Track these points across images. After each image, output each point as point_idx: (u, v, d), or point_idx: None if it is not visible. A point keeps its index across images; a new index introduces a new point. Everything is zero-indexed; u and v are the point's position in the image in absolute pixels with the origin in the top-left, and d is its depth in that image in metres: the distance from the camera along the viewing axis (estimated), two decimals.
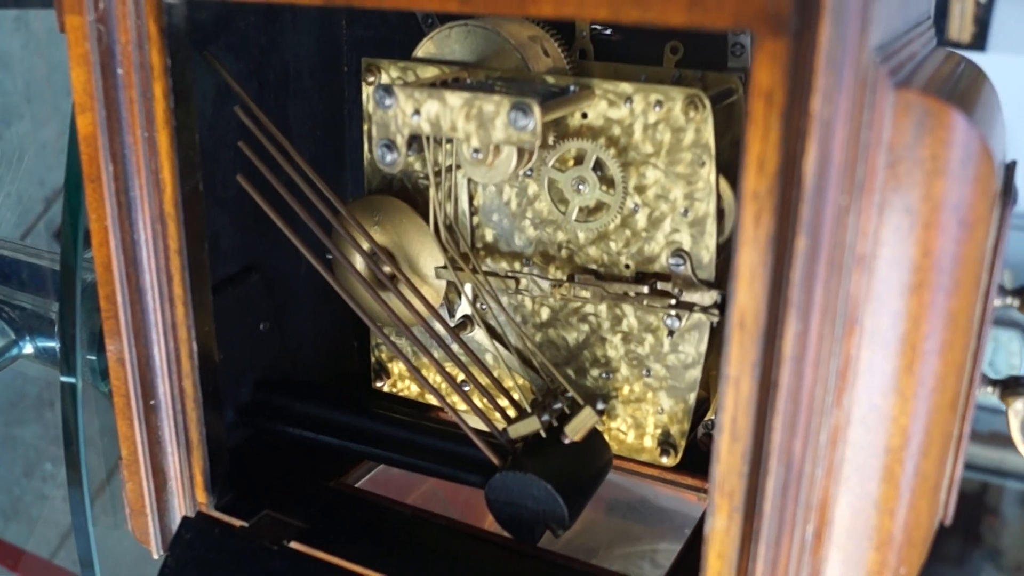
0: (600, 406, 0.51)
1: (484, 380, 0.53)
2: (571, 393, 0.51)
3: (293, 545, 0.48)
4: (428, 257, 0.52)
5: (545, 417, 0.48)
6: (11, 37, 0.69)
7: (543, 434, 0.47)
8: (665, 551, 0.51)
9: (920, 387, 0.35)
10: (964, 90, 0.36)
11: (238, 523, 0.50)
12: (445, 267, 0.51)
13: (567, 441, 0.47)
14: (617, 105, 0.46)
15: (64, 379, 0.58)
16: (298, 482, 0.54)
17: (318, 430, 0.54)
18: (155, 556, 0.51)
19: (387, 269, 0.51)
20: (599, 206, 0.48)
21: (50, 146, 0.60)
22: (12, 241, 0.68)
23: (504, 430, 0.47)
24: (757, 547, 0.36)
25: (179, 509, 0.51)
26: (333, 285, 0.47)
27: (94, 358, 0.59)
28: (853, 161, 0.32)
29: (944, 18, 0.83)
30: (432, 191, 0.49)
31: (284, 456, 0.56)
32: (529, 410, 0.48)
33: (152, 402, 0.48)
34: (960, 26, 0.84)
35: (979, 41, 0.83)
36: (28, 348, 0.64)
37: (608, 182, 0.47)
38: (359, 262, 0.52)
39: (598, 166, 0.47)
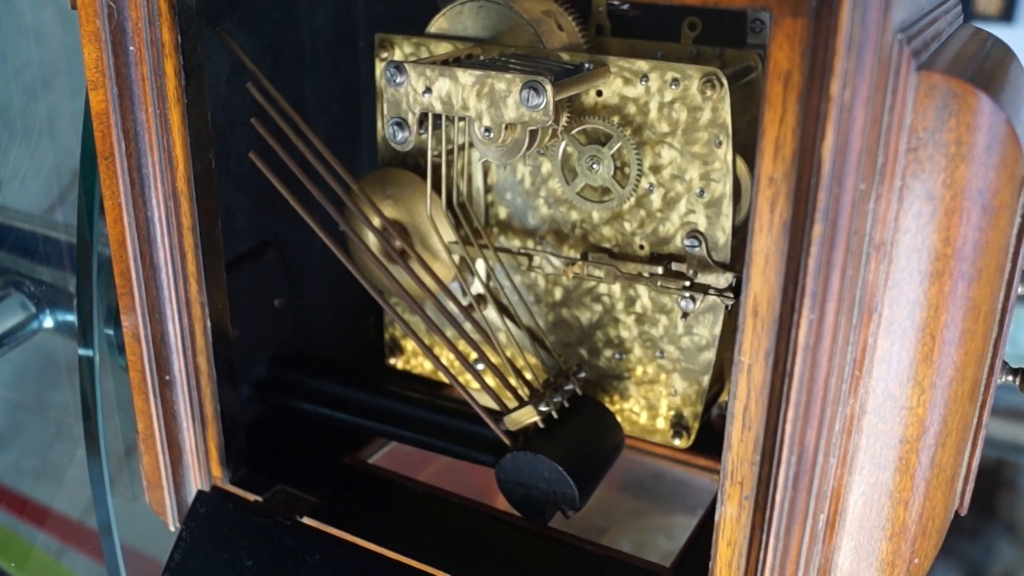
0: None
1: (496, 359, 0.53)
2: (583, 374, 0.51)
3: (306, 520, 0.49)
4: (441, 232, 0.51)
5: (557, 398, 0.48)
6: (40, 10, 0.69)
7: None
8: (679, 525, 0.51)
9: (938, 377, 0.34)
10: (991, 71, 0.35)
11: (252, 497, 0.50)
12: (457, 242, 0.50)
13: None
14: (633, 83, 0.45)
15: (82, 352, 0.59)
16: (312, 458, 0.54)
17: (332, 406, 0.55)
18: (171, 528, 0.52)
19: (398, 243, 0.51)
20: (608, 187, 0.47)
21: (78, 120, 0.60)
22: (31, 214, 0.68)
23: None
24: (768, 536, 0.36)
25: (195, 483, 0.51)
26: (345, 263, 0.47)
27: (111, 332, 0.59)
28: (873, 146, 0.31)
29: None
30: (444, 169, 0.49)
31: (298, 432, 0.56)
32: (541, 390, 0.48)
33: (167, 377, 0.49)
34: None
35: (1007, 13, 0.81)
36: (48, 321, 0.65)
37: (622, 162, 0.46)
38: (371, 238, 0.51)
39: (613, 147, 0.46)
